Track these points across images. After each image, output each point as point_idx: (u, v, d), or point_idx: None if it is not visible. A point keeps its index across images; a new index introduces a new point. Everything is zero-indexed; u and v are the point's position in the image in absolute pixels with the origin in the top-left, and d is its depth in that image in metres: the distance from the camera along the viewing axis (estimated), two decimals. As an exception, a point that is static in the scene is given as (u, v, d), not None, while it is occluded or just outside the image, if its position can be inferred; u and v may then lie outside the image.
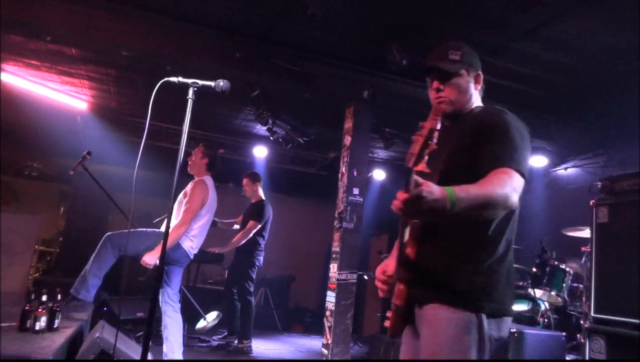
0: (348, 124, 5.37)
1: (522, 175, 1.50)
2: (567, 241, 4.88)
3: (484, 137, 1.58)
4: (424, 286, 1.60)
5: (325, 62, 5.06)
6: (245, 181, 5.59)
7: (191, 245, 3.80)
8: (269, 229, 5.53)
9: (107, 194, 4.07)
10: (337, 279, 4.90)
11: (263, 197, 5.55)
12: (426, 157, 1.31)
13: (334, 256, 5.08)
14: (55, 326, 2.96)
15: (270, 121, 6.15)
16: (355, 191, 5.10)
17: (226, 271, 6.31)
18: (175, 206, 3.85)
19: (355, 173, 5.14)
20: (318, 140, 7.59)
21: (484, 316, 1.52)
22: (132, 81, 6.03)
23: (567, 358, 3.79)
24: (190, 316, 5.11)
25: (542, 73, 4.85)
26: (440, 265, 1.59)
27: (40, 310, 2.86)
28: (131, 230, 3.62)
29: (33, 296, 3.24)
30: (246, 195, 5.64)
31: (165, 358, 3.65)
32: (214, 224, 5.47)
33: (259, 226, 5.31)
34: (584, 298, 3.64)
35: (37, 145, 7.63)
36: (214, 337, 5.72)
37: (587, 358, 3.20)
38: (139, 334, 4.87)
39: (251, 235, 5.27)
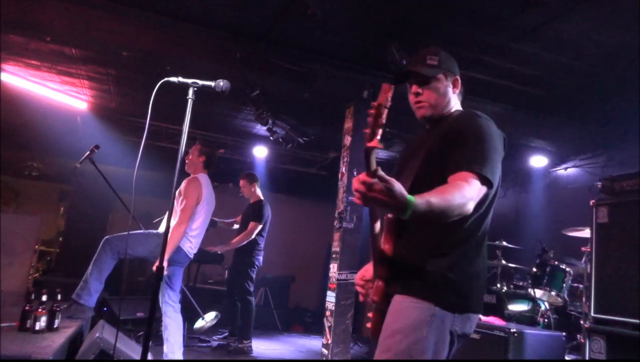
0: (348, 124, 5.37)
1: (485, 179, 1.53)
2: (567, 241, 4.88)
3: (454, 141, 1.62)
4: (397, 280, 1.64)
5: (325, 62, 5.06)
6: (242, 182, 5.59)
7: (190, 245, 3.81)
8: (268, 228, 5.53)
9: (111, 188, 4.06)
10: (337, 279, 4.90)
11: (261, 197, 5.55)
12: (379, 133, 1.34)
13: (334, 256, 5.08)
14: (55, 326, 2.96)
15: (270, 121, 6.14)
16: (355, 191, 5.09)
17: (226, 271, 6.31)
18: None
19: (355, 173, 5.14)
20: (318, 140, 7.59)
21: (446, 311, 1.56)
22: (132, 81, 6.04)
23: (567, 358, 3.79)
24: (189, 316, 5.11)
25: (542, 73, 4.85)
26: (413, 259, 1.63)
27: (40, 310, 2.86)
28: (130, 232, 3.64)
29: (33, 296, 3.25)
30: (244, 196, 5.64)
31: (165, 358, 3.65)
32: (214, 224, 5.48)
33: (260, 227, 5.31)
34: (584, 298, 3.64)
35: (37, 145, 7.64)
36: (214, 338, 5.72)
37: (587, 358, 3.20)
38: (139, 334, 4.87)
39: (253, 236, 5.27)
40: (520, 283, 5.00)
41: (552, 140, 6.22)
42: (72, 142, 6.77)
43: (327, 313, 4.97)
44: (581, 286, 4.51)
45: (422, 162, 1.68)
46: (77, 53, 5.25)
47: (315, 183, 8.46)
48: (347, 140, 5.29)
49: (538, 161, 6.88)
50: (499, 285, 4.88)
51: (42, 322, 2.84)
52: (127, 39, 4.51)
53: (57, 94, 6.51)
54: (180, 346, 3.70)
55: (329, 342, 4.81)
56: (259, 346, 5.81)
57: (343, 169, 5.24)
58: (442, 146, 1.64)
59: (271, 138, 6.72)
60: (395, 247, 1.64)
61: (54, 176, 8.66)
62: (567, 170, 6.84)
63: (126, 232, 3.69)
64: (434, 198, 1.39)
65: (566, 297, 4.59)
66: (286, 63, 4.91)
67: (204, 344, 5.49)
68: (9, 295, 4.43)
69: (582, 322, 3.69)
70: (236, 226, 5.58)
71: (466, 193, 1.47)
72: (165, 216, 3.86)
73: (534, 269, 4.71)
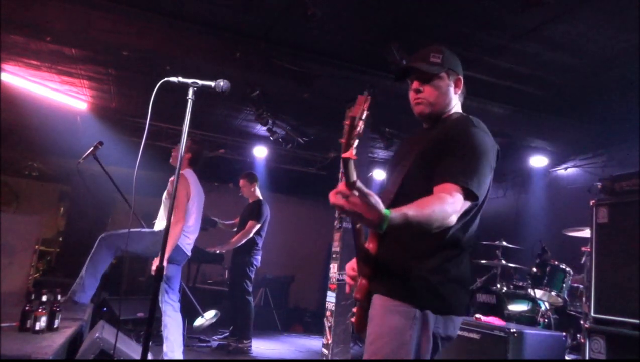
0: (348, 124, 5.36)
1: (470, 192, 1.52)
2: (567, 241, 4.88)
3: (444, 149, 1.61)
4: (379, 279, 1.65)
5: (325, 62, 5.06)
6: (242, 182, 5.59)
7: (188, 242, 3.81)
8: (268, 229, 5.53)
9: (113, 183, 4.02)
10: (337, 279, 4.90)
11: (260, 197, 5.55)
12: (355, 144, 1.33)
13: (334, 256, 5.08)
14: (55, 326, 2.95)
15: (270, 121, 6.15)
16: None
17: (226, 271, 6.31)
18: (162, 205, 3.88)
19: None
20: (318, 140, 7.59)
21: (429, 312, 1.56)
22: (132, 81, 6.03)
23: (567, 358, 3.79)
24: (189, 315, 5.11)
25: (542, 73, 4.85)
26: (397, 261, 1.63)
27: (40, 310, 2.85)
28: (129, 230, 3.64)
29: (33, 296, 3.24)
30: (244, 195, 5.64)
31: (165, 358, 3.65)
32: (213, 223, 5.48)
33: (258, 226, 5.32)
34: (584, 298, 3.64)
35: (37, 145, 7.63)
36: (214, 338, 5.73)
37: (587, 358, 3.20)
38: (140, 334, 4.86)
39: (251, 235, 5.27)
40: (520, 283, 4.99)
41: (552, 140, 6.22)
42: (72, 142, 6.77)
43: (327, 313, 4.97)
44: (581, 286, 4.51)
45: (412, 164, 1.68)
46: (77, 53, 5.25)
47: (315, 183, 8.46)
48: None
49: (538, 161, 6.88)
50: (499, 285, 4.88)
51: (42, 322, 2.83)
52: (127, 39, 4.50)
53: (57, 94, 6.51)
54: (180, 344, 3.71)
55: (329, 342, 4.81)
56: (259, 346, 5.81)
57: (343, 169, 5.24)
58: (432, 152, 1.63)
59: (271, 138, 6.72)
60: (380, 247, 1.65)
61: (54, 176, 8.66)
62: (567, 171, 6.84)
63: (122, 230, 3.71)
64: (412, 211, 1.39)
65: (566, 297, 4.59)
66: (286, 63, 4.91)
67: (204, 344, 5.49)
68: (9, 295, 4.43)
69: (582, 322, 3.69)
70: (236, 228, 5.58)
71: (447, 207, 1.45)
72: (159, 216, 3.89)
73: (534, 269, 4.71)
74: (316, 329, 7.30)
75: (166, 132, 7.29)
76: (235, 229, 5.56)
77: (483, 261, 5.14)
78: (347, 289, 1.86)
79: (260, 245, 5.44)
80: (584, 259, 4.32)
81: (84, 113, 6.95)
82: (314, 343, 6.58)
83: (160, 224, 3.82)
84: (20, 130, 7.26)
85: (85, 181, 6.63)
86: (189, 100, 2.42)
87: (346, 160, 1.32)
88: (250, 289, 5.39)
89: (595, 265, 3.29)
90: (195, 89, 2.44)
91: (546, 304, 4.55)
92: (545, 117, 5.91)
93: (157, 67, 5.17)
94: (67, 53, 5.26)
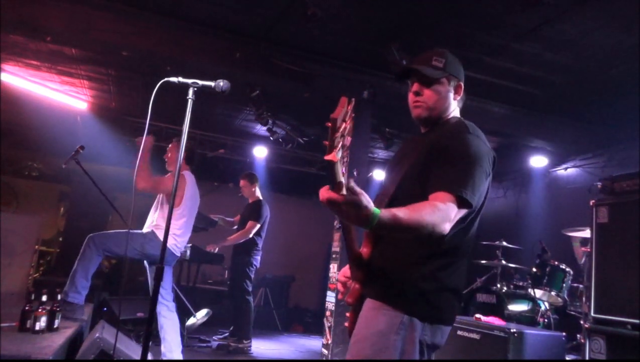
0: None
1: (464, 200, 1.49)
2: (567, 241, 4.88)
3: (439, 156, 1.59)
4: (372, 284, 1.65)
5: (325, 62, 5.06)
6: (242, 182, 5.59)
7: (175, 243, 3.76)
8: (268, 229, 5.53)
9: (100, 192, 3.92)
10: (337, 279, 4.90)
11: (260, 198, 5.55)
12: (339, 146, 1.35)
13: (334, 256, 5.08)
14: (55, 326, 2.95)
15: (270, 121, 6.14)
16: (355, 191, 5.09)
17: (226, 271, 6.31)
18: (154, 205, 3.87)
19: (355, 173, 5.14)
20: (318, 140, 7.59)
21: (416, 320, 1.55)
22: (132, 81, 6.04)
23: (567, 358, 3.79)
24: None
25: (542, 73, 4.85)
26: (390, 266, 1.62)
27: (40, 310, 2.86)
28: (117, 231, 3.67)
29: (33, 296, 3.25)
30: (244, 195, 5.64)
31: (164, 358, 3.65)
32: (213, 223, 5.49)
33: (258, 226, 5.31)
34: (584, 298, 3.64)
35: (37, 145, 7.64)
36: (214, 337, 5.72)
37: (587, 358, 3.20)
38: (140, 334, 4.86)
39: (251, 235, 5.28)
40: (520, 283, 4.99)
41: (552, 140, 6.22)
42: (72, 142, 6.72)
43: (327, 313, 4.97)
44: (581, 286, 4.51)
45: (408, 169, 1.67)
46: (77, 53, 5.25)
47: (315, 183, 8.39)
48: (347, 140, 5.27)
49: (538, 161, 6.88)
50: (499, 285, 4.88)
51: (42, 322, 2.83)
52: (127, 39, 4.50)
53: (57, 94, 6.51)
54: (178, 344, 3.70)
55: (329, 342, 4.81)
56: (259, 346, 5.81)
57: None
58: (428, 158, 1.61)
59: (271, 138, 6.72)
60: (373, 252, 1.65)
61: (54, 176, 8.66)
62: (567, 171, 6.84)
63: (111, 231, 3.72)
64: (401, 213, 1.37)
65: (566, 297, 4.59)
66: (286, 63, 4.91)
67: (204, 344, 5.49)
68: (9, 295, 4.43)
69: (582, 322, 3.69)
70: (236, 227, 5.58)
71: (438, 214, 1.43)
72: (149, 215, 3.88)
73: (534, 269, 4.71)
74: (316, 329, 7.31)
75: (166, 132, 7.28)
76: (235, 227, 5.56)
77: (483, 261, 5.14)
78: (340, 296, 1.86)
79: (260, 245, 5.44)
80: (583, 259, 4.33)
81: (84, 113, 6.95)
82: (314, 343, 6.58)
83: (148, 225, 3.80)
84: (20, 130, 7.26)
85: (79, 189, 6.63)
86: (189, 100, 2.42)
87: (330, 163, 1.32)
88: (250, 289, 5.39)
89: (595, 265, 3.29)
90: (195, 89, 2.44)
91: (546, 304, 4.56)
92: (545, 117, 5.91)
93: (157, 67, 5.17)
94: (67, 53, 5.27)
